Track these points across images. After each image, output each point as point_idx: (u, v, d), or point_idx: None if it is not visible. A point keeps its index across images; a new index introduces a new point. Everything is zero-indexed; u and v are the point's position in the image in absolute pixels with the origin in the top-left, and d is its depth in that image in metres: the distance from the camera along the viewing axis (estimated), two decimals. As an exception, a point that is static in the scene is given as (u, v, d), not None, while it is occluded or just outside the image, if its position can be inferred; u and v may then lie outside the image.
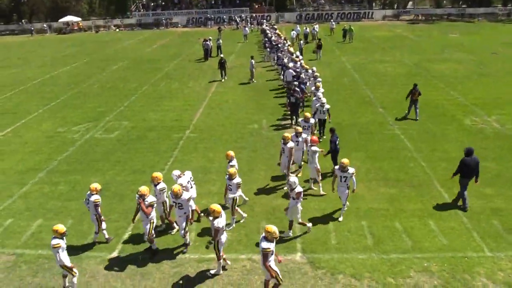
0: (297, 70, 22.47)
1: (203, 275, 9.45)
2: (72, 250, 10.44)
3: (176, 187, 9.74)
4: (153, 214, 9.87)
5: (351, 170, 10.91)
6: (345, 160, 10.94)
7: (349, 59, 32.22)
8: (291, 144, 12.53)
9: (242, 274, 9.43)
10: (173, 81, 27.67)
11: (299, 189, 10.21)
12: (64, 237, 8.73)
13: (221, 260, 9.36)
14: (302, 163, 13.59)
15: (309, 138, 13.14)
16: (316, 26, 42.72)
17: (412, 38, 42.62)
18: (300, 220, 10.50)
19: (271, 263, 8.06)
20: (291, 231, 10.66)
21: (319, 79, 20.28)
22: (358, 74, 27.28)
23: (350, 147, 15.92)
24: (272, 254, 8.04)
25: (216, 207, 8.88)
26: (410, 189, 12.86)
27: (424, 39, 41.50)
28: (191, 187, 11.11)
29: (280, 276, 8.30)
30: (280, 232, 8.94)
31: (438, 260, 9.61)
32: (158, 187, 10.56)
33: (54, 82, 28.94)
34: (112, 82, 28.23)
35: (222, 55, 27.04)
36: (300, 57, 26.19)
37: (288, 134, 12.92)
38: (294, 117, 18.58)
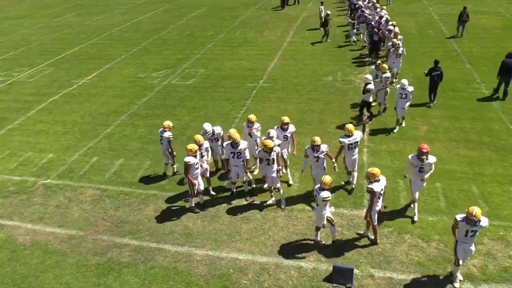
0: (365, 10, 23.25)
1: (270, 222, 9.75)
2: (150, 189, 11.24)
3: (234, 134, 9.85)
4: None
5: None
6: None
7: (437, 10, 29.71)
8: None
9: (307, 224, 9.60)
10: (248, 30, 27.49)
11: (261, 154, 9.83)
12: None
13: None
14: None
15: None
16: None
17: (513, -14, 38.10)
18: (278, 186, 10.16)
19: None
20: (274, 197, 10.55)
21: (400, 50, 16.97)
22: (445, 26, 25.17)
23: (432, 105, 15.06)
24: None
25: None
26: (492, 152, 12.02)
27: (528, -13, 36.89)
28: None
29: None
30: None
31: (516, 230, 9.07)
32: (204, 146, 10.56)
33: (136, 28, 30.01)
34: (189, 29, 28.68)
35: (328, 12, 24.06)
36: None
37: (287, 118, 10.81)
38: (373, 55, 19.17)
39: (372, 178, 8.26)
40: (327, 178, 8.33)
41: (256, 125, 11.15)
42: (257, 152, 10.19)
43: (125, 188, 11.41)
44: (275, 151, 9.70)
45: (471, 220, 7.14)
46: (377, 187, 8.26)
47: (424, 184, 9.34)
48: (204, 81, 18.87)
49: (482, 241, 8.77)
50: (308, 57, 21.26)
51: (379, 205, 8.50)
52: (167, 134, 11.14)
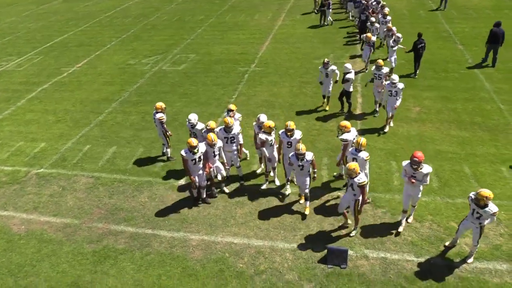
0: None
1: (264, 206, 9.80)
2: (144, 176, 11.23)
3: (227, 118, 9.84)
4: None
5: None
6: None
7: (428, -11, 29.52)
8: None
9: (301, 208, 9.65)
10: (239, 13, 27.21)
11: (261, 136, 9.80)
12: None
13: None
14: None
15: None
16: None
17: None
18: (275, 165, 10.34)
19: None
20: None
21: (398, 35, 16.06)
22: (437, 6, 25.07)
23: (423, 86, 15.10)
24: None
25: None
26: (484, 132, 12.11)
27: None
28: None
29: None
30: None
31: (507, 209, 9.18)
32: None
33: (125, 14, 29.58)
34: (179, 14, 28.32)
35: None
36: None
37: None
38: (362, 34, 19.40)
39: (353, 174, 7.95)
40: (363, 140, 8.67)
41: (237, 115, 10.72)
42: (259, 136, 9.86)
43: (118, 176, 11.38)
44: (275, 129, 9.81)
45: (476, 200, 7.26)
46: (365, 177, 8.16)
47: (419, 195, 8.46)
48: (195, 66, 18.72)
49: (474, 220, 8.88)
50: (300, 40, 21.13)
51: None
52: (159, 115, 11.08)
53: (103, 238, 9.22)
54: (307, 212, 9.46)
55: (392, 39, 15.94)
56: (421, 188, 8.37)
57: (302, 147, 8.70)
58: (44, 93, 17.14)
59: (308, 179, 9.12)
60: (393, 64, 15.91)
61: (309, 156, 8.83)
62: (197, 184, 9.66)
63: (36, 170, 11.90)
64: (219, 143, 9.65)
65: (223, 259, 8.45)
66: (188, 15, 27.92)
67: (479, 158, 10.99)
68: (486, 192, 7.14)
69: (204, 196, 10.02)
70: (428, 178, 8.18)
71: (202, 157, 9.42)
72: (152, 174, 11.32)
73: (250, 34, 22.60)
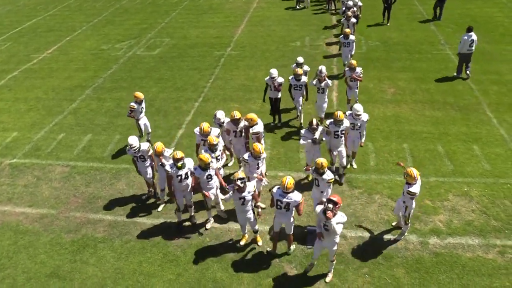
0: None
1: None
2: (121, 163, 11.11)
3: (204, 124, 9.11)
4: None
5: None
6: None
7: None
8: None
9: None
10: (213, -4, 26.83)
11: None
12: None
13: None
14: None
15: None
16: None
17: None
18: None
19: None
20: None
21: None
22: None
23: (398, 67, 15.29)
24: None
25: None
26: (456, 112, 12.40)
27: None
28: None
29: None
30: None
31: (478, 186, 9.49)
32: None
33: (96, -3, 28.77)
34: (152, -3, 27.74)
35: None
36: None
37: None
38: (331, 3, 22.40)
39: (205, 164, 7.94)
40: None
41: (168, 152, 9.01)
42: (225, 123, 9.69)
43: (95, 164, 11.22)
44: (241, 122, 9.39)
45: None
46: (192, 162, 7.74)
47: (334, 248, 7.23)
48: (170, 50, 18.44)
49: (448, 197, 9.17)
50: (275, 23, 21.02)
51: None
52: (131, 104, 11.00)
53: (82, 227, 9.13)
54: (260, 242, 8.45)
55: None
56: (337, 240, 7.14)
57: (239, 173, 7.47)
58: (14, 81, 16.63)
59: (252, 215, 7.89)
60: (320, 114, 12.01)
61: (250, 186, 7.55)
62: (181, 206, 8.68)
63: (9, 161, 11.62)
64: (219, 146, 9.00)
65: (203, 244, 8.49)
66: (161, -2, 27.36)
67: (451, 137, 11.27)
68: (412, 171, 7.49)
69: (192, 213, 8.99)
70: (340, 229, 6.90)
71: (189, 174, 8.29)
72: (129, 161, 11.15)
73: (225, 17, 22.35)
